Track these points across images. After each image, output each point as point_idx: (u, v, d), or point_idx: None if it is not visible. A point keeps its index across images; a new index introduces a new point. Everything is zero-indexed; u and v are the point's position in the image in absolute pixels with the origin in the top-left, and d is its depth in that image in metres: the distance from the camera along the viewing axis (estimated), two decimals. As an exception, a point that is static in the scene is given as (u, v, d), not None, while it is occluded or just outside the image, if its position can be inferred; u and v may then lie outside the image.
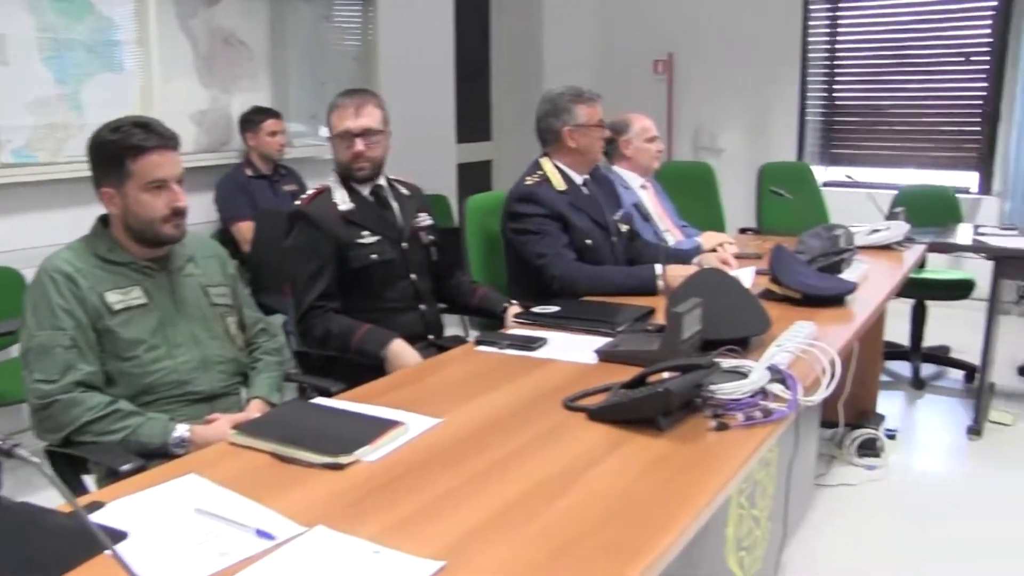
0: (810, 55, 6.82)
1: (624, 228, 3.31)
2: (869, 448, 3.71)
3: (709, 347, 2.11)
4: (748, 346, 2.21)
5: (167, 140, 2.14)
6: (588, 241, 3.05)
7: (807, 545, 3.01)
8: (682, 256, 3.19)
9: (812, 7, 6.74)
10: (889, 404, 4.35)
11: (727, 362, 1.95)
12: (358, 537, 1.35)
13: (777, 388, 1.85)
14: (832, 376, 1.93)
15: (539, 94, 6.69)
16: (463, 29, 6.19)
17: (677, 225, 3.86)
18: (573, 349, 2.25)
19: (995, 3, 6.17)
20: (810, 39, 6.80)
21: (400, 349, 2.49)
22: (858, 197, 4.76)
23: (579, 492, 1.49)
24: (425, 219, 2.85)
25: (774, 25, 6.80)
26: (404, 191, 2.85)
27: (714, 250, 3.56)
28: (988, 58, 6.26)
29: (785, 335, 2.20)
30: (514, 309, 2.75)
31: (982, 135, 6.36)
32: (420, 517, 1.42)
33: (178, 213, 2.16)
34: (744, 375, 1.87)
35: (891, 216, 4.07)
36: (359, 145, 2.60)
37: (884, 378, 4.75)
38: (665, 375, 1.83)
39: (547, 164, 3.13)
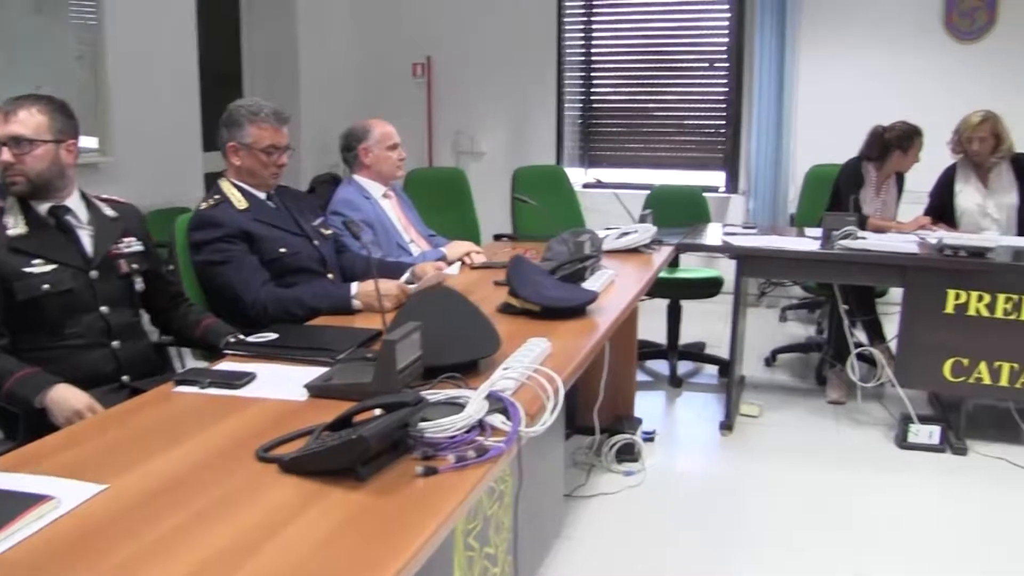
0: (566, 59, 6.90)
1: (327, 232, 3.13)
2: (627, 453, 3.69)
3: (433, 374, 1.95)
4: (478, 369, 2.06)
5: None
6: (282, 250, 2.86)
7: (562, 564, 2.91)
8: (393, 269, 3.02)
9: (567, 11, 6.82)
10: (648, 404, 4.38)
11: (444, 393, 1.79)
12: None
13: (497, 420, 1.70)
14: (556, 404, 1.80)
15: (296, 100, 6.57)
16: (211, 33, 5.80)
17: (423, 235, 3.69)
18: (285, 384, 2.01)
19: (730, 14, 6.49)
20: (566, 43, 6.87)
21: (61, 397, 2.15)
22: (614, 199, 4.79)
23: (257, 566, 1.26)
24: (132, 245, 2.51)
25: (530, 28, 6.83)
26: (108, 212, 2.51)
27: (462, 261, 3.45)
28: (728, 64, 6.55)
29: (515, 356, 2.06)
30: None
31: (727, 137, 6.65)
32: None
33: None
34: (463, 407, 1.70)
35: (640, 219, 4.10)
36: (5, 155, 2.25)
37: (644, 378, 4.82)
38: (377, 412, 1.64)
39: (225, 184, 2.90)
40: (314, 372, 2.07)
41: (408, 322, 1.92)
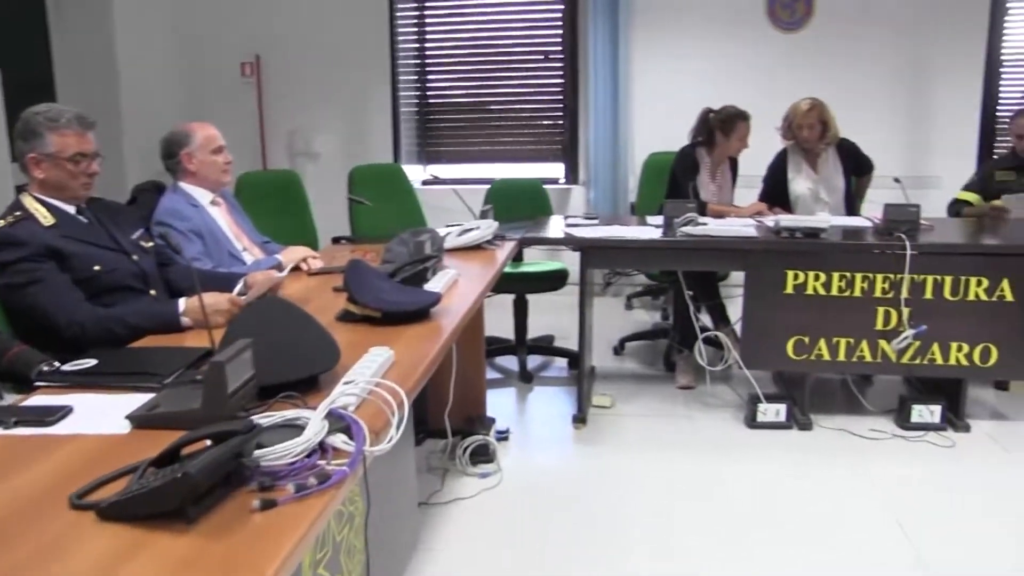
0: (400, 55, 6.78)
1: (148, 244, 2.92)
2: (482, 454, 3.62)
3: (270, 394, 1.82)
4: (319, 386, 1.93)
5: None
6: (97, 267, 2.63)
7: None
8: (224, 281, 2.82)
9: (399, 6, 6.70)
10: (500, 402, 4.34)
11: (281, 415, 1.66)
12: None
13: (339, 440, 1.58)
14: (401, 419, 1.70)
15: (116, 104, 6.17)
16: (13, 34, 5.36)
17: (257, 242, 3.50)
18: (106, 416, 1.82)
19: (563, 6, 6.53)
20: (399, 39, 6.75)
21: None
22: (454, 196, 4.71)
23: (71, 633, 1.12)
24: None
25: (362, 25, 6.69)
26: None
27: (298, 267, 3.30)
28: (563, 56, 6.60)
29: (356, 367, 1.95)
30: None
31: (565, 128, 6.69)
32: None
33: None
34: (302, 429, 1.58)
35: (482, 215, 4.04)
36: None
37: (494, 375, 4.78)
38: (209, 443, 1.50)
39: (28, 200, 2.64)
40: (139, 400, 1.89)
41: (238, 339, 1.78)
